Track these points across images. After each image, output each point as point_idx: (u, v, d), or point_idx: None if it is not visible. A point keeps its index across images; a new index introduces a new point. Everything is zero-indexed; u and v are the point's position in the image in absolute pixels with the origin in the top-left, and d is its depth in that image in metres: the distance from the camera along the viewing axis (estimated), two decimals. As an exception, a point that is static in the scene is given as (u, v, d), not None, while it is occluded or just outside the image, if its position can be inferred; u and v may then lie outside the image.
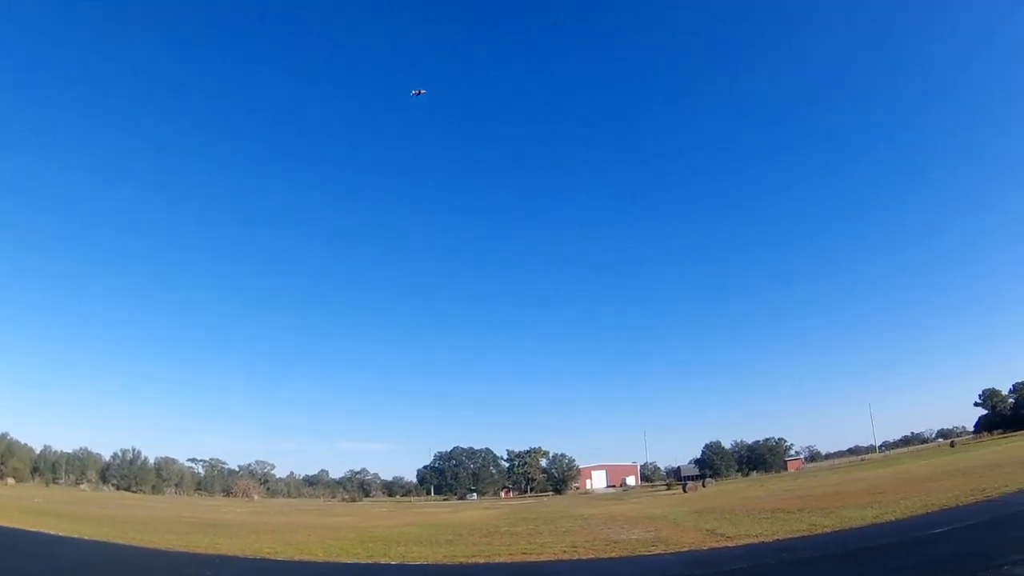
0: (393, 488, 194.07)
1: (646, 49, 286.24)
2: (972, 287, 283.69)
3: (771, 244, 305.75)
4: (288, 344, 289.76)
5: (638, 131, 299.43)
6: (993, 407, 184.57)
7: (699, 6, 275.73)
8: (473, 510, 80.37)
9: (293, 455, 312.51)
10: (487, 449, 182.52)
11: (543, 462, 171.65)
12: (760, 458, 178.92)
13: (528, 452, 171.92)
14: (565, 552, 26.44)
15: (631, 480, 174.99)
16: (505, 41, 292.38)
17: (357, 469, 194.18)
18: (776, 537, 25.88)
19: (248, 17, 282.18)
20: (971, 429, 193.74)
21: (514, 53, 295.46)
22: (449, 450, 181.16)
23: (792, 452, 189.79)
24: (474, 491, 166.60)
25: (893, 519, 27.16)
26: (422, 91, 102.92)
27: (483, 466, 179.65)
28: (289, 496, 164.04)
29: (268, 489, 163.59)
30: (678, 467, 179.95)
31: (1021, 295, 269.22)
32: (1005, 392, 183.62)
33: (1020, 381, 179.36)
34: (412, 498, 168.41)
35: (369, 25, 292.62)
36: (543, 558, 25.14)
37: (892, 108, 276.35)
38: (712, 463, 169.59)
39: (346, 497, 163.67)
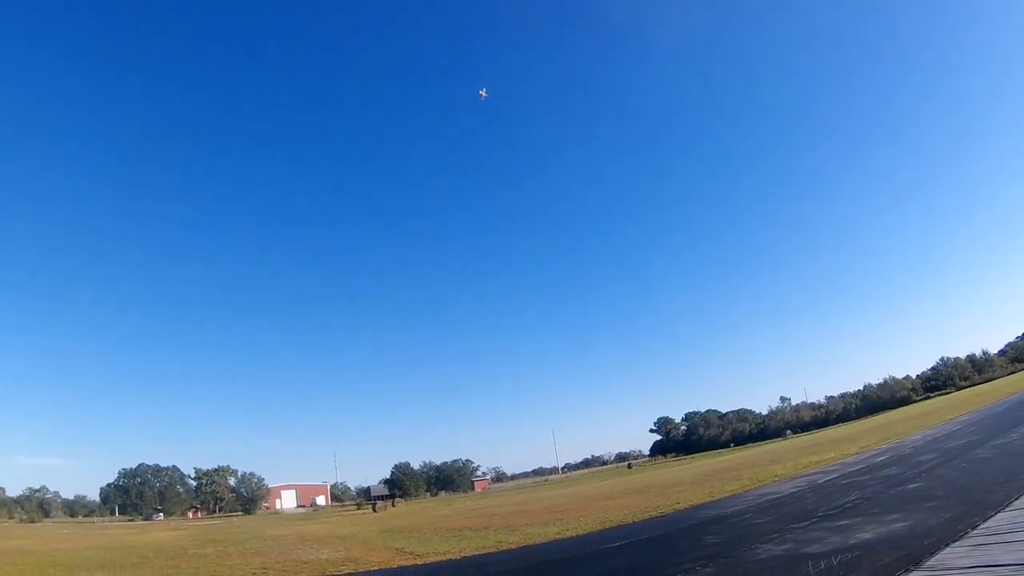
0: (75, 508, 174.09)
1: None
2: (643, 320, 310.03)
3: (461, 277, 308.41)
4: None
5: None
6: (667, 433, 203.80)
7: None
8: (160, 531, 73.34)
9: None
10: (174, 467, 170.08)
11: (232, 481, 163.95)
12: (448, 478, 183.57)
13: (216, 470, 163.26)
14: (255, 574, 25.83)
15: (321, 500, 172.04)
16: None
17: (36, 487, 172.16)
18: (463, 554, 26.00)
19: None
20: (647, 453, 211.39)
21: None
22: (134, 467, 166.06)
23: (479, 473, 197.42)
24: (160, 511, 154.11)
25: (574, 535, 27.51)
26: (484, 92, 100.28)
27: (170, 485, 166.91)
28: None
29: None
30: (368, 487, 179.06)
31: (689, 331, 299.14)
32: (678, 420, 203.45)
33: (692, 411, 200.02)
34: (96, 518, 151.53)
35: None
36: (232, 581, 24.13)
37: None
38: (402, 483, 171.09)
39: (24, 518, 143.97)
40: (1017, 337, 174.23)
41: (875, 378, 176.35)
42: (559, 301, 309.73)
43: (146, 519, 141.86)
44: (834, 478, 31.08)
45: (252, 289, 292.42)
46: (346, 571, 24.81)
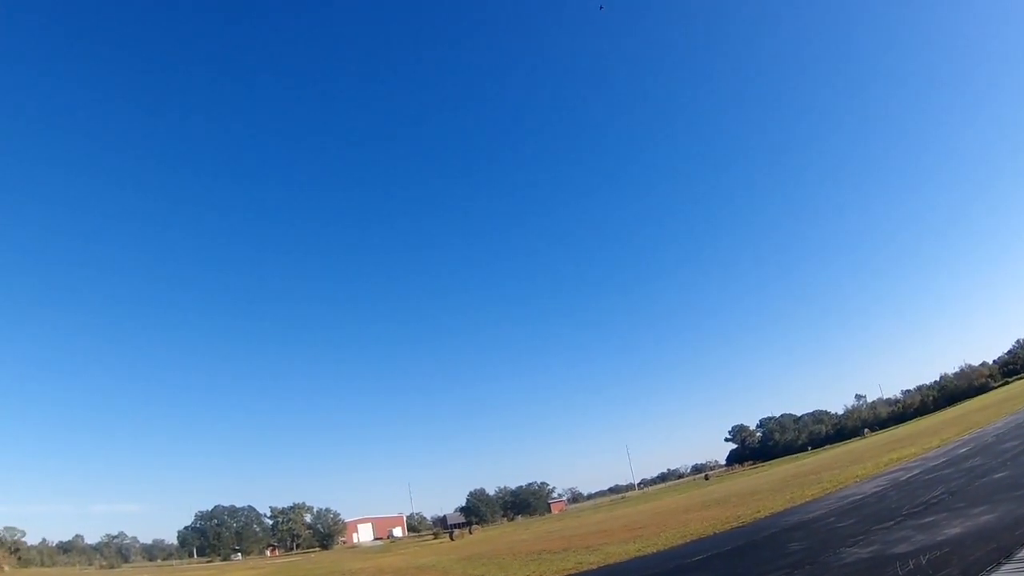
0: (154, 552, 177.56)
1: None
2: (713, 328, 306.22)
3: (524, 295, 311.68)
4: (31, 398, 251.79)
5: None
6: (743, 441, 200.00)
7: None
8: (239, 571, 74.85)
9: (44, 520, 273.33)
10: (249, 507, 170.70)
11: (307, 518, 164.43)
12: (524, 502, 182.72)
13: (292, 508, 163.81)
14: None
15: (398, 531, 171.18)
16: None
17: (114, 533, 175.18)
18: None
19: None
20: (724, 462, 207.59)
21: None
22: (210, 509, 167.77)
23: (555, 495, 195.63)
24: (238, 551, 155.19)
25: (655, 551, 27.14)
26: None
27: (246, 524, 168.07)
28: (43, 565, 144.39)
29: (20, 558, 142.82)
30: (444, 515, 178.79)
31: (762, 337, 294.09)
32: (753, 427, 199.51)
33: (766, 416, 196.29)
34: (175, 561, 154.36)
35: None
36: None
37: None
38: (478, 510, 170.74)
39: (104, 564, 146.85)
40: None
41: (951, 367, 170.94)
42: (627, 316, 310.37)
43: (224, 559, 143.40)
44: (916, 474, 30.30)
45: (319, 328, 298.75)
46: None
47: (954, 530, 14.88)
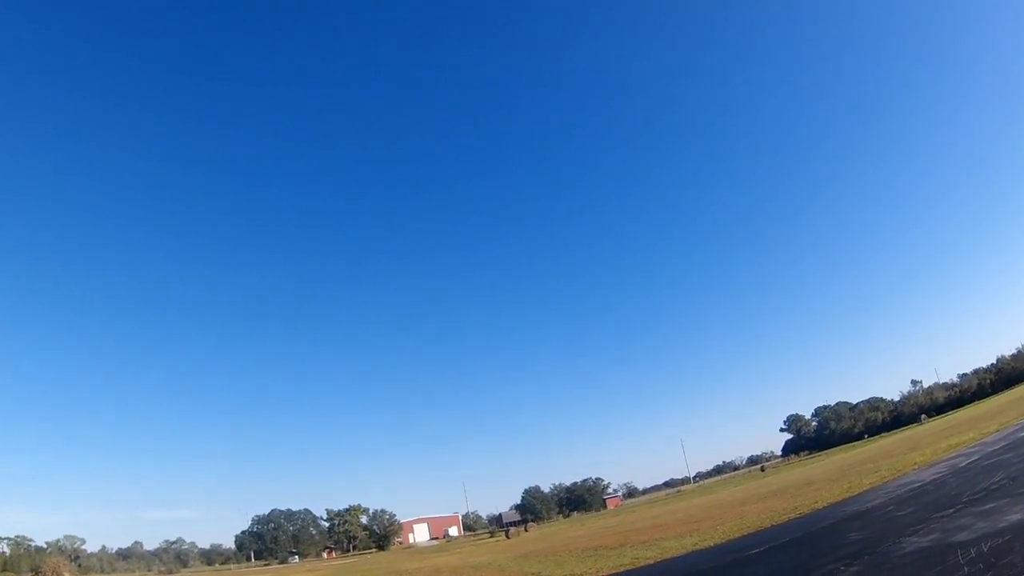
0: (212, 556, 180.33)
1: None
2: (765, 318, 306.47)
3: (573, 289, 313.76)
4: (86, 406, 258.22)
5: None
6: (798, 431, 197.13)
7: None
8: (296, 573, 75.66)
9: (103, 527, 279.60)
10: (306, 510, 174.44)
11: (363, 519, 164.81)
12: (580, 499, 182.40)
13: (347, 510, 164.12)
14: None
15: (453, 531, 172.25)
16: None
17: (172, 539, 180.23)
18: (601, 574, 25.73)
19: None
20: (779, 453, 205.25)
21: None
22: (267, 513, 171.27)
23: (610, 490, 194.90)
24: (295, 553, 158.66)
25: (712, 545, 26.96)
26: None
27: (303, 527, 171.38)
28: (102, 572, 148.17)
29: (80, 566, 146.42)
30: (499, 514, 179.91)
31: (815, 325, 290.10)
32: (808, 416, 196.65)
33: (821, 405, 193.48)
34: (232, 565, 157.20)
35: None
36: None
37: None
38: (533, 507, 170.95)
39: (163, 569, 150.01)
40: None
41: (1008, 349, 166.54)
42: (681, 309, 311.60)
43: (282, 562, 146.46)
44: (976, 460, 29.77)
45: (374, 332, 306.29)
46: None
47: (1016, 516, 14.79)
